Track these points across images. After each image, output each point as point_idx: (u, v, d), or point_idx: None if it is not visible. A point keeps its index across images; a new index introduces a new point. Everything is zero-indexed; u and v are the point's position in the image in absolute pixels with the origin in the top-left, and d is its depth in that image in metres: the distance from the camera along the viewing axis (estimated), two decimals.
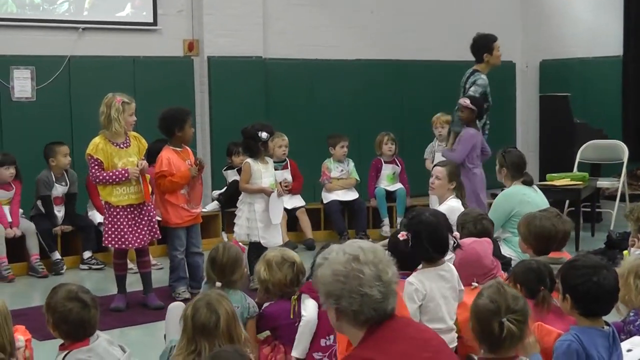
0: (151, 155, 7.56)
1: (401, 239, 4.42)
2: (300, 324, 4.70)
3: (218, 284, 4.88)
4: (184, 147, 7.63)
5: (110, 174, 7.01)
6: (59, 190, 8.91)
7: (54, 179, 8.85)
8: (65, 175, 8.96)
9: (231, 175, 9.86)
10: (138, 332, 6.63)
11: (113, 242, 7.15)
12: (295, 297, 4.69)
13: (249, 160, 7.81)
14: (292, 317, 4.72)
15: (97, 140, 7.05)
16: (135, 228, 7.15)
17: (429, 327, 3.62)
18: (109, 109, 7.00)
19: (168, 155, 7.46)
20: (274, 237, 7.72)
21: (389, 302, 3.13)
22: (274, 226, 7.77)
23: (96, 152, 7.00)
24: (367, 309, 3.08)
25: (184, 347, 3.77)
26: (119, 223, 7.10)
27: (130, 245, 7.18)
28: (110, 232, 7.12)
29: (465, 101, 8.57)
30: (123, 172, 7.04)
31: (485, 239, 5.13)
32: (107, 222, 7.18)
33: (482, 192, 8.52)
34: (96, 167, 7.02)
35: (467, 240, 4.95)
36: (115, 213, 7.10)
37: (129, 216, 7.13)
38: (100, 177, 7.02)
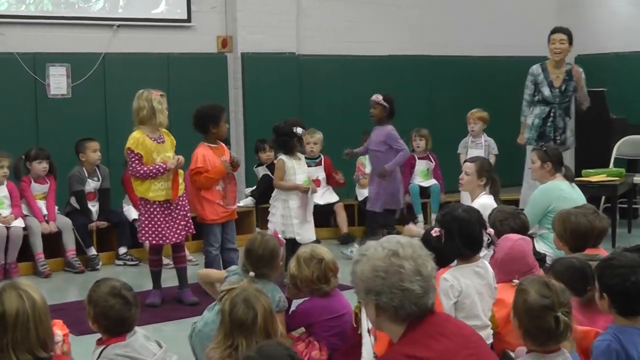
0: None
1: (434, 235, 4.39)
2: (365, 340, 4.48)
3: (251, 274, 4.89)
4: (219, 144, 7.65)
5: (151, 167, 7.03)
6: (91, 185, 8.97)
7: (86, 175, 8.92)
8: (97, 170, 9.03)
9: (261, 172, 9.88)
10: (173, 327, 6.65)
11: (150, 238, 7.17)
12: (358, 305, 4.62)
13: (282, 156, 7.82)
14: (354, 324, 4.63)
15: (136, 134, 7.05)
16: (171, 223, 7.17)
17: (467, 324, 3.59)
18: (149, 102, 7.00)
19: (203, 152, 7.48)
20: (308, 233, 7.75)
21: (430, 296, 3.12)
22: (308, 222, 7.77)
23: (137, 146, 7.01)
24: (408, 304, 3.07)
25: (221, 342, 3.79)
26: (155, 219, 7.11)
27: (167, 241, 7.20)
28: (146, 228, 7.14)
29: (377, 97, 8.47)
30: (163, 165, 7.07)
31: (527, 237, 5.09)
32: (143, 218, 7.19)
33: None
34: (136, 161, 7.02)
35: (514, 237, 4.90)
36: (151, 209, 7.11)
37: (165, 212, 7.14)
38: (142, 171, 7.02)
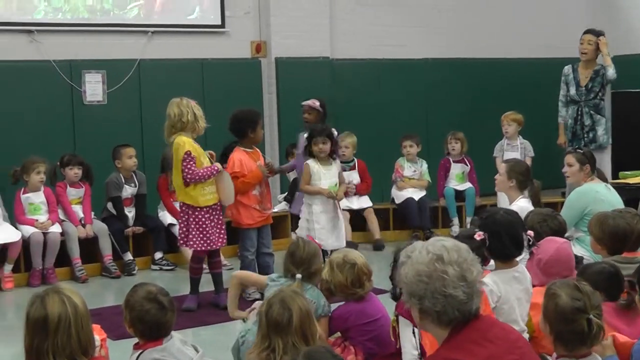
0: (224, 156, 7.62)
1: (478, 239, 4.35)
2: (404, 357, 4.48)
3: (298, 275, 4.91)
4: (254, 149, 7.66)
5: (206, 170, 7.03)
6: (128, 191, 9.03)
7: (123, 181, 8.97)
8: (134, 176, 9.08)
9: (292, 176, 9.89)
10: (209, 332, 6.68)
11: (199, 245, 7.09)
12: (394, 318, 4.58)
13: (309, 161, 7.79)
14: (392, 339, 4.61)
15: (185, 139, 7.00)
16: (218, 228, 7.17)
17: (514, 328, 3.56)
18: (189, 109, 7.01)
19: (240, 157, 7.50)
20: (332, 240, 7.57)
21: (474, 302, 3.08)
22: (335, 229, 7.69)
23: (193, 150, 7.01)
24: (450, 310, 3.04)
25: (258, 344, 3.78)
26: (204, 225, 7.07)
27: (215, 246, 7.17)
28: (196, 235, 7.07)
29: (314, 102, 8.38)
30: (215, 167, 7.10)
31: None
32: (192, 225, 7.09)
33: None
34: (194, 165, 6.99)
35: (559, 239, 4.88)
36: (200, 215, 7.06)
37: (211, 217, 7.12)
38: (200, 173, 7.00)
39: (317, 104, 8.28)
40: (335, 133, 7.92)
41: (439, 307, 3.04)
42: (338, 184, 7.77)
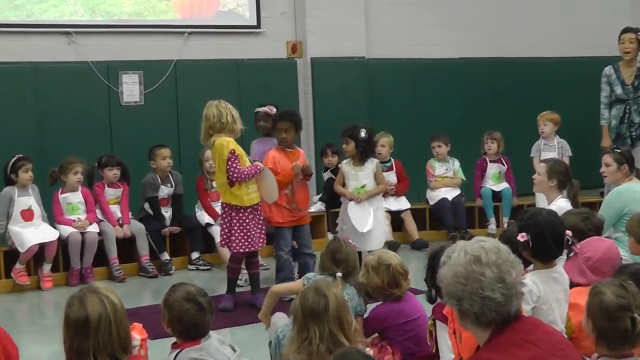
0: None
1: (521, 240, 4.31)
2: (443, 354, 4.48)
3: (339, 274, 4.93)
4: (295, 149, 7.73)
5: (250, 168, 7.06)
6: (164, 191, 9.07)
7: (159, 181, 9.02)
8: (170, 176, 9.12)
9: (326, 176, 9.90)
10: (246, 332, 6.69)
11: (241, 246, 7.08)
12: (431, 322, 4.55)
13: (343, 161, 7.85)
14: (429, 343, 4.56)
15: (228, 138, 7.01)
16: (260, 228, 7.19)
17: (556, 329, 3.53)
18: (228, 111, 7.03)
19: (275, 155, 7.57)
20: (360, 242, 7.46)
21: (512, 304, 3.05)
22: (365, 232, 7.68)
23: (237, 149, 7.03)
24: (488, 312, 3.02)
25: (295, 337, 3.77)
26: (248, 226, 7.07)
27: (256, 247, 7.18)
28: (239, 237, 7.06)
29: (271, 109, 8.30)
30: (258, 166, 7.13)
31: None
32: (236, 226, 7.07)
33: None
34: (238, 163, 6.99)
35: (606, 239, 4.89)
36: (244, 216, 7.06)
37: (254, 217, 7.13)
38: (245, 172, 7.01)
39: (274, 110, 8.25)
40: (364, 134, 7.77)
41: (477, 309, 3.02)
42: (374, 184, 7.79)
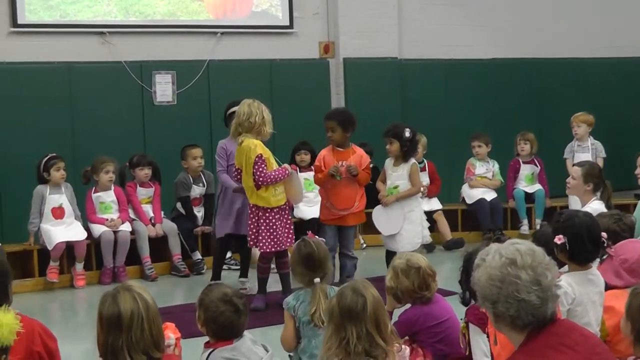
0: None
1: (558, 242, 4.28)
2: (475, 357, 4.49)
3: (317, 280, 4.84)
4: (349, 148, 7.76)
5: (277, 171, 7.06)
6: (196, 191, 9.09)
7: (191, 181, 9.04)
8: (202, 176, 9.14)
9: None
10: (277, 332, 6.62)
11: (268, 246, 7.09)
12: (464, 325, 4.51)
13: (387, 160, 7.90)
14: (461, 345, 4.53)
15: (256, 141, 7.00)
16: (287, 228, 7.20)
17: (592, 332, 3.50)
18: (259, 111, 7.01)
19: (324, 153, 7.75)
20: (392, 243, 7.63)
21: (548, 306, 3.02)
22: (396, 233, 7.73)
23: (264, 152, 7.02)
24: (524, 315, 2.99)
25: (331, 336, 3.73)
26: (274, 226, 7.08)
27: (283, 247, 7.18)
28: (266, 237, 7.08)
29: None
30: (286, 170, 7.14)
31: None
32: (263, 227, 7.09)
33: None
34: (265, 168, 6.99)
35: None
36: (270, 217, 7.07)
37: (281, 218, 7.14)
38: (272, 176, 7.00)
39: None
40: (409, 133, 7.78)
41: (513, 312, 3.00)
42: (408, 185, 7.80)
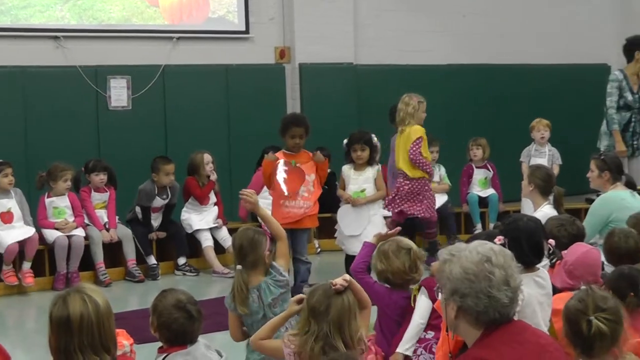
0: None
1: (498, 243, 4.35)
2: (411, 323, 4.65)
3: (239, 267, 4.72)
4: (302, 152, 7.78)
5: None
6: (158, 202, 9.03)
7: (156, 193, 8.96)
8: (168, 189, 9.05)
9: None
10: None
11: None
12: (417, 287, 4.66)
13: (344, 166, 8.03)
14: (412, 304, 4.68)
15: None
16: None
17: (545, 333, 3.56)
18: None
19: (280, 157, 7.77)
20: (353, 246, 7.52)
21: (513, 307, 3.14)
22: (357, 235, 7.77)
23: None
24: (492, 312, 3.09)
25: (298, 326, 3.81)
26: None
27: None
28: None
29: None
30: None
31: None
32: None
33: None
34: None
35: (589, 246, 4.92)
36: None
37: None
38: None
39: None
40: (375, 139, 8.05)
41: (481, 307, 3.08)
42: (374, 189, 7.97)
